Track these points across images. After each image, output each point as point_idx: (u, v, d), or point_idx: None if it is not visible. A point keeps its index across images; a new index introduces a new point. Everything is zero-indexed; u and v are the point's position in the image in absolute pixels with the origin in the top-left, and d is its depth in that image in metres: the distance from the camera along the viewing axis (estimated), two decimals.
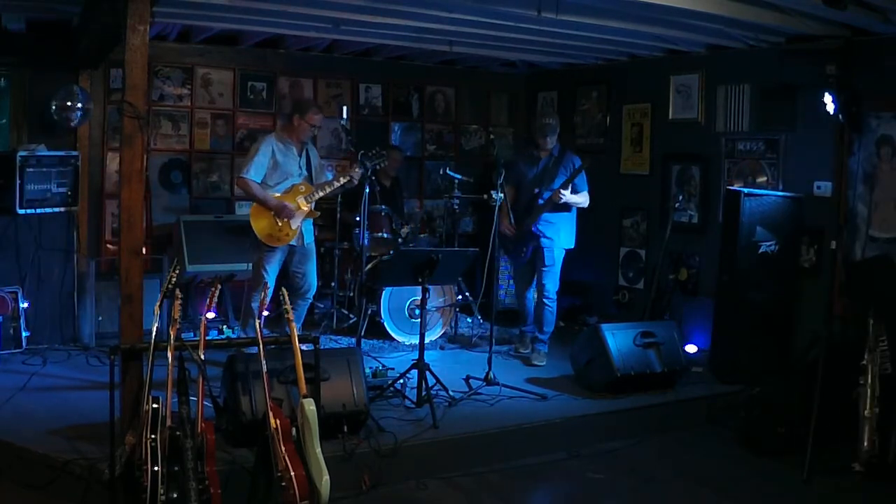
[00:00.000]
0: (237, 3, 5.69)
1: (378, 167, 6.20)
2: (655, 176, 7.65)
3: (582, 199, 6.49)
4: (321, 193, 6.10)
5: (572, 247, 6.66)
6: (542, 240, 6.49)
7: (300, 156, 6.10)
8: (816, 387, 4.91)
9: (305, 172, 6.12)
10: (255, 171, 5.90)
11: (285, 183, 6.01)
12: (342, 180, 6.13)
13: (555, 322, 6.74)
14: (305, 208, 6.02)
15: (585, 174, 6.49)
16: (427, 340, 5.84)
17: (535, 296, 6.78)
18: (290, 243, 6.02)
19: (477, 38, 6.80)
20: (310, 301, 6.36)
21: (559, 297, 6.77)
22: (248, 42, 7.60)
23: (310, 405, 3.99)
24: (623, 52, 7.48)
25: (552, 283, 6.59)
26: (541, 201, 6.43)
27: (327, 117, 8.16)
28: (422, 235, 7.43)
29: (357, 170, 6.15)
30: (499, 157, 6.30)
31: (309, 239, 6.19)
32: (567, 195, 6.32)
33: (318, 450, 3.93)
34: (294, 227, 5.98)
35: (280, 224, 5.92)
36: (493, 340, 6.17)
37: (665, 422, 5.62)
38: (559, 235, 6.52)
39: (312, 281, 6.22)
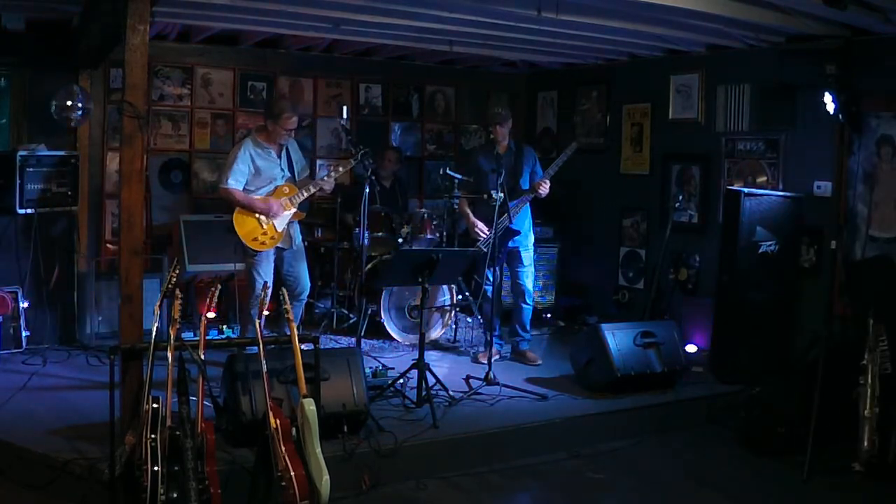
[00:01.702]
0: (237, 3, 5.69)
1: (366, 164, 6.04)
2: (655, 176, 7.65)
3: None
4: (306, 194, 6.04)
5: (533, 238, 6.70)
6: (518, 237, 6.38)
7: (280, 157, 6.02)
8: (816, 387, 4.91)
9: (288, 173, 6.05)
10: (234, 180, 5.81)
11: (268, 187, 5.94)
12: (321, 183, 6.06)
13: (530, 316, 6.66)
14: (291, 209, 6.00)
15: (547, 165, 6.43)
16: (427, 340, 5.83)
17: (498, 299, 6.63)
18: (279, 246, 5.99)
19: (477, 38, 6.80)
20: (304, 302, 6.32)
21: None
22: (248, 42, 7.60)
23: (310, 405, 3.99)
24: (623, 52, 7.48)
25: (531, 282, 6.57)
26: (515, 201, 6.28)
27: (327, 117, 8.22)
28: (421, 235, 7.42)
29: (334, 173, 6.09)
30: (498, 158, 6.29)
31: (298, 240, 6.16)
32: (548, 185, 6.28)
33: (318, 450, 3.93)
34: (280, 229, 5.93)
35: (265, 227, 5.88)
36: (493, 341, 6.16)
37: (665, 422, 5.62)
38: (531, 230, 6.54)
39: (306, 283, 6.19)
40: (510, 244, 6.38)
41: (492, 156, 6.38)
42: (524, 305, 6.58)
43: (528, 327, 6.65)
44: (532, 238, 6.60)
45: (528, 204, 6.44)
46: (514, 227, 6.28)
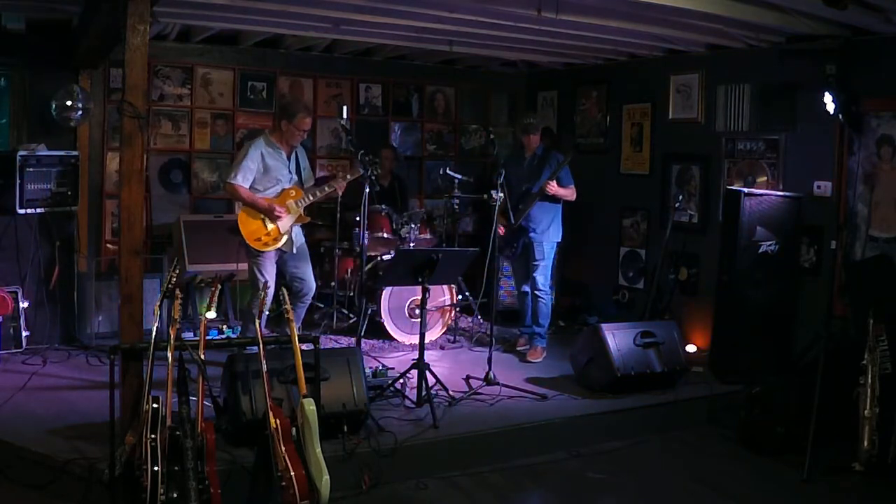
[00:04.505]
0: (237, 2, 5.69)
1: (373, 174, 5.99)
2: (655, 176, 7.65)
3: (569, 192, 6.66)
4: (311, 198, 6.08)
5: (560, 240, 6.80)
6: (532, 234, 6.61)
7: (289, 160, 6.04)
8: (816, 386, 4.91)
9: (295, 177, 6.07)
10: (242, 177, 5.84)
11: (275, 188, 5.96)
12: (328, 189, 6.13)
13: (550, 315, 6.84)
14: (295, 212, 6.01)
15: (570, 169, 6.64)
16: (427, 340, 5.83)
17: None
18: (281, 249, 6.00)
19: (477, 38, 6.80)
20: (308, 304, 6.33)
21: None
22: (248, 42, 7.60)
23: (310, 405, 3.99)
24: (623, 52, 7.48)
25: (543, 276, 6.70)
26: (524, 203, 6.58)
27: (327, 117, 8.22)
28: (421, 235, 7.42)
29: (346, 178, 6.17)
30: (500, 157, 6.38)
31: (300, 242, 6.17)
32: (555, 187, 6.50)
33: (318, 450, 3.93)
34: (283, 230, 5.94)
35: (269, 228, 5.89)
36: (493, 340, 6.17)
37: (665, 422, 5.62)
38: (548, 230, 6.66)
39: (312, 284, 6.20)
40: (525, 240, 6.63)
41: (519, 158, 6.78)
42: (538, 298, 6.72)
43: (540, 320, 6.76)
44: (552, 235, 6.71)
45: (557, 204, 6.68)
46: (531, 225, 6.58)
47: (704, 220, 7.19)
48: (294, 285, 6.08)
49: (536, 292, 6.71)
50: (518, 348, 6.93)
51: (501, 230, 6.56)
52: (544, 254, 6.66)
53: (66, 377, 5.76)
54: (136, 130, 4.36)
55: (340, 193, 6.33)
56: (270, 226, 5.90)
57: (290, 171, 6.03)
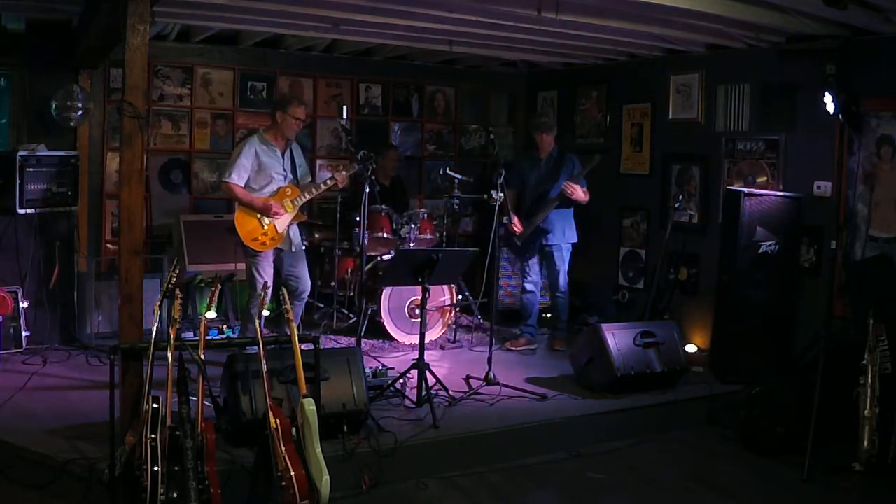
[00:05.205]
0: (237, 2, 5.69)
1: (369, 168, 6.04)
2: (655, 176, 7.65)
3: (586, 196, 6.75)
4: (308, 196, 6.07)
5: (576, 240, 6.93)
6: (549, 237, 6.73)
7: (283, 157, 6.04)
8: (816, 386, 4.91)
9: (291, 175, 6.07)
10: (237, 175, 5.83)
11: (270, 186, 5.95)
12: (324, 186, 6.10)
13: (568, 308, 7.07)
14: (292, 211, 6.01)
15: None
16: (427, 340, 5.83)
17: (540, 294, 7.11)
18: (278, 247, 5.99)
19: (477, 38, 6.80)
20: (304, 301, 6.33)
21: None
22: (248, 42, 7.60)
23: (310, 405, 4.00)
24: (623, 51, 7.48)
25: (564, 279, 6.89)
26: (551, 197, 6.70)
27: (327, 117, 8.22)
28: (422, 235, 7.42)
29: (343, 173, 6.15)
30: (499, 157, 6.41)
31: (298, 241, 6.17)
32: (577, 189, 6.60)
33: (318, 450, 3.93)
34: (280, 230, 5.94)
35: (266, 228, 5.88)
36: (493, 340, 6.17)
37: (665, 422, 5.62)
38: (565, 232, 6.80)
39: (307, 282, 6.20)
40: (543, 242, 6.78)
41: (532, 159, 6.87)
42: (558, 298, 6.95)
43: (561, 316, 7.05)
44: (568, 238, 6.87)
45: (569, 208, 6.83)
46: (549, 227, 6.73)
47: (704, 220, 7.19)
48: (290, 283, 6.06)
49: (557, 294, 6.93)
50: (514, 348, 6.95)
51: (519, 228, 6.65)
52: (564, 259, 6.84)
53: (66, 377, 5.76)
54: (136, 130, 4.36)
55: (341, 187, 6.27)
56: (267, 225, 5.89)
57: (284, 169, 6.02)
